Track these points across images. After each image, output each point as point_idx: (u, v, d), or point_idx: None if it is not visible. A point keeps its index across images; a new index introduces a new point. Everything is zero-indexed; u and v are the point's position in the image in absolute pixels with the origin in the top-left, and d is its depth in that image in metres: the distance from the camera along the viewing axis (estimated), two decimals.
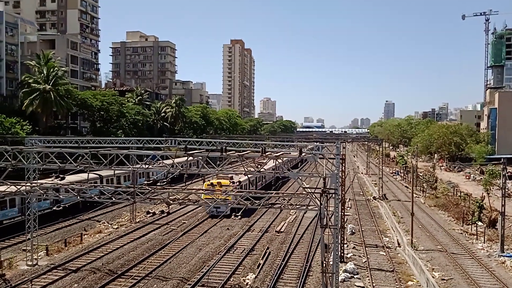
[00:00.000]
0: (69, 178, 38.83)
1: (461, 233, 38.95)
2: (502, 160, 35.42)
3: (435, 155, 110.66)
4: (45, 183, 28.12)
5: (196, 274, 26.43)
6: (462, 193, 56.14)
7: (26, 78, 61.42)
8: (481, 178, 66.17)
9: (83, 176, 43.39)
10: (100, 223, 39.99)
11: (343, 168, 29.07)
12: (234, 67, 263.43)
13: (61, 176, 24.51)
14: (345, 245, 31.39)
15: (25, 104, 58.78)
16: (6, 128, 50.60)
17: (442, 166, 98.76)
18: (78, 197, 24.36)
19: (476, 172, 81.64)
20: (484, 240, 35.79)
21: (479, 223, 40.01)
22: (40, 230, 33.71)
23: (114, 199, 23.42)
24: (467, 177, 79.95)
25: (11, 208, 34.56)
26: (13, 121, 52.86)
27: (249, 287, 24.32)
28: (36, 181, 27.62)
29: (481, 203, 43.22)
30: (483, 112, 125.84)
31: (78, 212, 41.08)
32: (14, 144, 39.56)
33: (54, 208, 28.56)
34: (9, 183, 23.84)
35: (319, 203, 19.74)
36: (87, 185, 26.60)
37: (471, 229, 39.42)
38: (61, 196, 25.62)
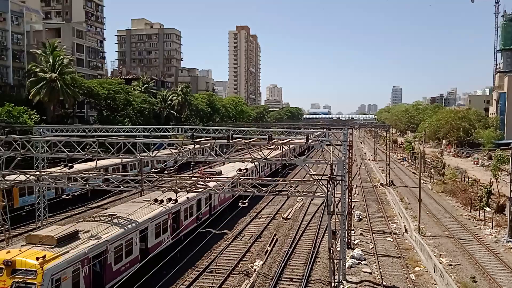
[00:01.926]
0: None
1: (469, 219, 38.85)
2: (511, 145, 35.12)
3: (443, 140, 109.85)
4: (55, 171, 28.35)
5: (204, 260, 26.68)
6: (470, 179, 55.86)
7: (33, 67, 61.53)
8: (490, 164, 65.70)
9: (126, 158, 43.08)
10: None
11: (350, 154, 28.98)
12: (240, 53, 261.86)
13: (70, 164, 24.70)
14: (352, 232, 31.46)
15: (32, 93, 58.98)
16: (14, 117, 50.88)
17: (450, 151, 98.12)
18: (87, 185, 24.49)
19: (485, 157, 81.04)
20: (492, 225, 35.69)
21: (487, 209, 39.87)
22: (50, 218, 34.22)
23: (122, 187, 23.56)
24: (475, 162, 79.40)
25: None
26: (21, 110, 53.13)
27: (257, 274, 24.52)
28: (45, 170, 27.88)
29: (489, 189, 43.01)
30: (492, 96, 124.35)
31: (87, 200, 41.50)
32: (22, 133, 39.85)
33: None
34: (18, 172, 24.06)
35: (326, 190, 19.71)
36: (94, 173, 26.73)
37: (479, 215, 39.30)
38: (70, 185, 25.78)
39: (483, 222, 37.22)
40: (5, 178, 24.33)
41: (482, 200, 41.66)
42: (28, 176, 23.65)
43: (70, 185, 24.53)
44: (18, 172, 23.70)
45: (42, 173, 24.30)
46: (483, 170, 69.25)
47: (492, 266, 26.84)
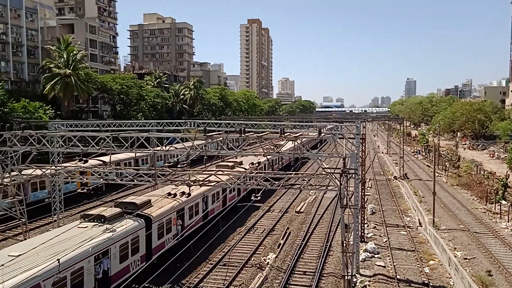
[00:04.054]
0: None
1: (485, 212, 38.36)
2: None
3: (458, 133, 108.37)
4: (70, 166, 28.75)
5: (218, 253, 26.86)
6: (485, 172, 55.08)
7: (47, 63, 62.29)
8: (506, 156, 64.68)
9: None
10: None
11: (363, 147, 28.79)
12: (252, 47, 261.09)
13: (84, 159, 25.02)
14: (366, 225, 31.33)
15: (47, 88, 59.76)
16: (30, 112, 51.69)
17: (465, 144, 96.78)
18: (102, 180, 24.80)
19: (501, 150, 79.80)
20: (508, 219, 35.20)
21: (503, 202, 39.32)
22: (66, 212, 34.78)
23: (136, 181, 23.80)
24: (491, 155, 78.24)
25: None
26: (36, 106, 53.92)
27: (270, 267, 24.60)
28: (60, 164, 28.30)
29: (506, 182, 42.40)
30: (508, 88, 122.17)
31: (102, 194, 42.03)
32: (38, 128, 40.49)
33: None
34: (34, 167, 24.47)
35: (339, 183, 19.65)
36: (109, 168, 27.04)
37: (495, 208, 38.78)
38: (85, 179, 26.16)
39: (499, 215, 36.72)
40: (22, 172, 24.77)
41: (498, 193, 41.08)
42: (44, 170, 24.04)
43: (85, 179, 24.85)
44: (35, 167, 24.11)
45: (58, 167, 24.67)
46: (499, 162, 68.22)
47: (508, 259, 26.48)
